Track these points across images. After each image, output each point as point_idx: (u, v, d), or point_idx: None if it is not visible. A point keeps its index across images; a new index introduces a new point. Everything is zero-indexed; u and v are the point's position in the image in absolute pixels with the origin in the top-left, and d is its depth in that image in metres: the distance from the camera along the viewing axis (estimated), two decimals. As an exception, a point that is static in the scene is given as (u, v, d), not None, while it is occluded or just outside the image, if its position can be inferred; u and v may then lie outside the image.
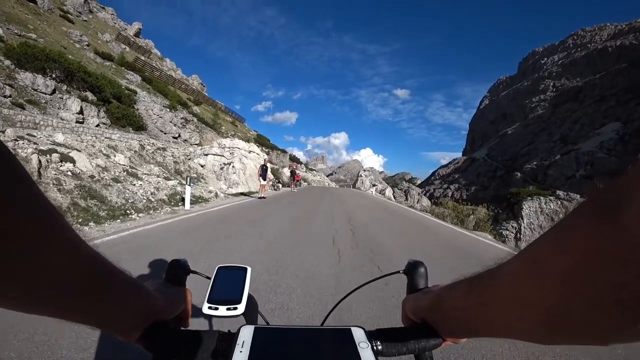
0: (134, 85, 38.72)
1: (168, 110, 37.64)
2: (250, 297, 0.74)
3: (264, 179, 13.99)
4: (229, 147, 18.19)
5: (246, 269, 0.79)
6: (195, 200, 10.75)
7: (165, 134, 32.93)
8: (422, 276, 0.74)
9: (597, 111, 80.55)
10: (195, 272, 0.82)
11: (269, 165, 16.53)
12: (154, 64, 59.20)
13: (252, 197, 14.80)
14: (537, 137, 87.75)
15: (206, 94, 71.38)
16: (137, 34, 71.04)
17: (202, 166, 17.42)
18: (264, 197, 14.11)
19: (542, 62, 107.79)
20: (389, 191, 33.70)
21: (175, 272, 0.76)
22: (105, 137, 14.48)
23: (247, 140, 57.19)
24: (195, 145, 26.62)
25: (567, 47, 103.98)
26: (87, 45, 42.58)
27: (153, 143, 16.60)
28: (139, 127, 28.50)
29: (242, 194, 15.62)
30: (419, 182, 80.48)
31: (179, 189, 10.46)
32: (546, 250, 0.27)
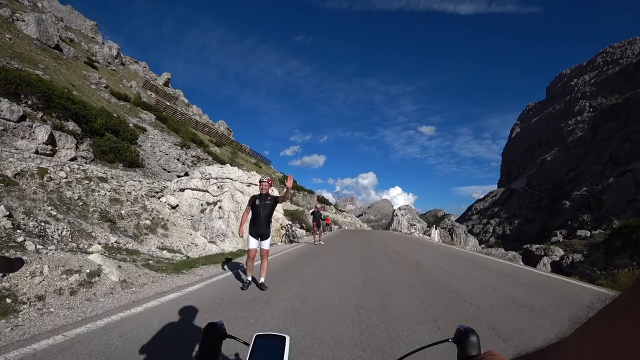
0: (146, 124, 33.90)
1: (178, 147, 32.05)
2: None
3: (258, 234, 5.34)
4: (217, 178, 11.24)
5: (284, 337, 0.72)
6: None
7: (168, 172, 26.75)
8: (474, 345, 0.65)
9: (648, 127, 69.07)
10: (232, 337, 0.76)
11: (271, 192, 8.23)
12: (179, 109, 55.66)
13: (233, 266, 6.99)
14: (581, 160, 76.27)
15: (232, 138, 67.13)
16: (166, 84, 69.40)
17: (173, 207, 10.50)
18: (261, 285, 5.27)
19: (572, 83, 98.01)
20: (435, 233, 25.36)
21: (210, 335, 0.71)
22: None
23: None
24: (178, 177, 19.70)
25: (597, 66, 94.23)
26: (105, 87, 38.98)
27: (84, 170, 9.80)
28: (133, 163, 22.41)
29: (213, 261, 7.16)
30: (453, 218, 70.64)
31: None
32: (610, 325, 0.23)
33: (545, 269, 28.28)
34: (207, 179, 11.37)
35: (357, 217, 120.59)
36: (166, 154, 28.18)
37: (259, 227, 5.20)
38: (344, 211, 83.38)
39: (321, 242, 14.67)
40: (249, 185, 11.69)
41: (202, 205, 10.81)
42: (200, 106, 74.10)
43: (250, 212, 5.30)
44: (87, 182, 8.49)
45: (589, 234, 56.72)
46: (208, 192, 11.06)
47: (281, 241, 14.29)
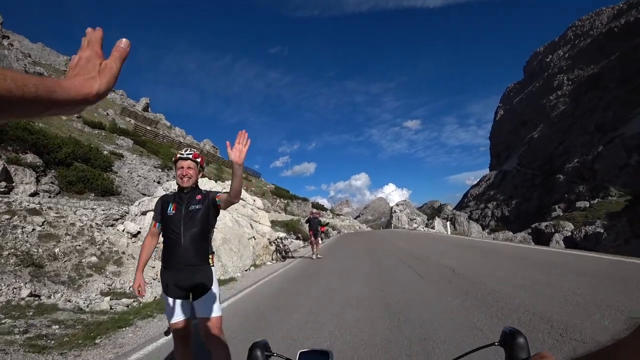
0: (123, 149, 31.89)
1: (159, 170, 30.12)
2: None
3: (182, 285, 2.37)
4: (185, 192, 9.40)
5: (328, 353, 0.72)
6: None
7: (149, 196, 24.54)
8: (522, 348, 0.61)
9: (627, 92, 68.91)
10: (277, 355, 0.76)
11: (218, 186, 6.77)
12: (160, 132, 53.54)
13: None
14: (568, 133, 75.79)
15: (219, 155, 65.01)
16: (145, 109, 67.36)
17: (133, 235, 8.51)
18: None
19: (548, 60, 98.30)
20: (444, 224, 23.61)
21: (256, 354, 0.72)
22: None
23: (262, 194, 48.43)
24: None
25: (569, 40, 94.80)
26: (78, 117, 36.95)
27: (8, 202, 7.73)
28: (106, 191, 20.41)
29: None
30: (450, 207, 69.46)
31: None
32: None
33: (558, 246, 26.64)
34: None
35: (355, 218, 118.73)
36: (145, 178, 26.13)
37: (182, 267, 2.36)
38: (341, 215, 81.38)
39: (319, 255, 11.89)
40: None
41: (168, 228, 8.84)
42: (184, 128, 71.99)
43: (161, 237, 2.52)
44: (7, 217, 6.49)
45: (587, 204, 55.77)
46: (175, 211, 9.11)
47: (272, 259, 11.99)
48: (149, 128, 50.42)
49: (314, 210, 13.25)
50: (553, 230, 25.12)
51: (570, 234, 25.30)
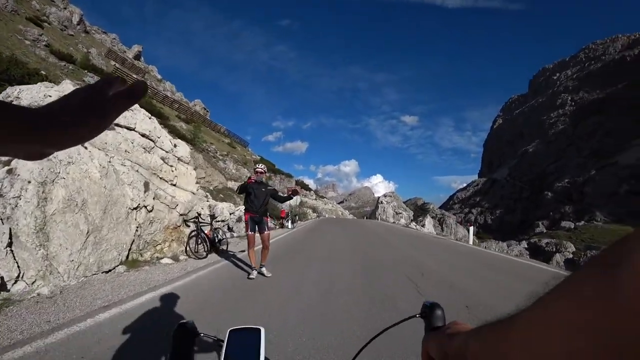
0: (88, 88, 26.61)
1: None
2: None
3: None
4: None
5: (259, 330, 0.70)
6: None
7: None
8: (439, 318, 0.66)
9: (630, 121, 66.05)
10: (205, 335, 0.72)
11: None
12: (152, 84, 47.66)
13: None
14: (563, 153, 72.91)
15: (208, 118, 59.37)
16: (136, 57, 60.89)
17: None
18: None
19: (555, 77, 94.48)
20: (429, 222, 19.82)
21: (182, 336, 0.67)
22: None
23: (244, 163, 43.64)
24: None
25: (579, 61, 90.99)
26: (46, 46, 31.38)
27: None
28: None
29: None
30: (431, 206, 66.24)
31: None
32: (561, 301, 0.24)
33: (559, 268, 23.39)
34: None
35: (339, 203, 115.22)
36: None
37: None
38: (325, 197, 77.46)
39: (264, 269, 5.38)
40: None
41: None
42: (177, 86, 66.11)
43: None
44: None
45: (572, 225, 53.36)
46: None
47: (185, 253, 6.83)
48: (133, 75, 44.78)
49: (259, 168, 5.68)
50: (554, 250, 21.59)
51: (572, 256, 21.81)
